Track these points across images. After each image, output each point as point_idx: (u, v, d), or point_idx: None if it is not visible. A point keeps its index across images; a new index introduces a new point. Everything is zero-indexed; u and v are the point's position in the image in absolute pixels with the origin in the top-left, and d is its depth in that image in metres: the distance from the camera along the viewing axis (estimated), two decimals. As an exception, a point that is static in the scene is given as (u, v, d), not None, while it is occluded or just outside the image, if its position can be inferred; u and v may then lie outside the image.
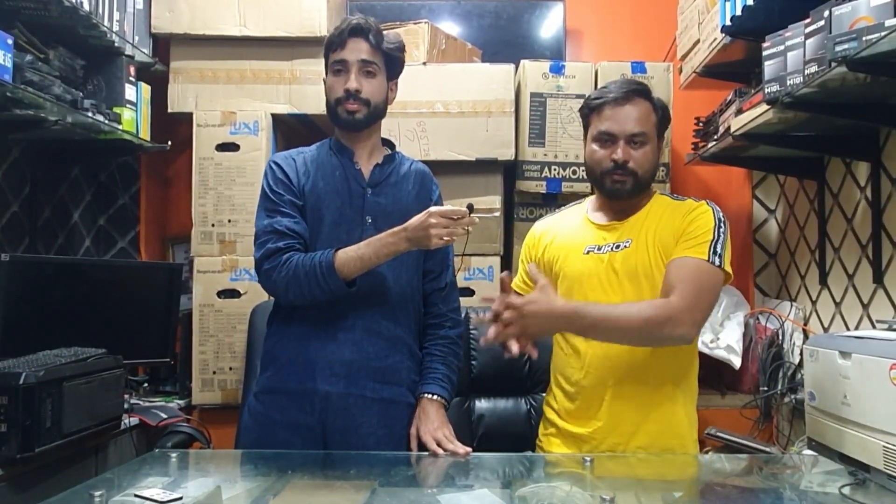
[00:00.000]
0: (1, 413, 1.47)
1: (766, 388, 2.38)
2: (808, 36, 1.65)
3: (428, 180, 1.76)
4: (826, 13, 1.57)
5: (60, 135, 2.20)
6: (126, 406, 2.00)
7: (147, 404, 2.22)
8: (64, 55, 2.08)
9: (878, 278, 1.93)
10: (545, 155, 2.50)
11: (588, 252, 1.64)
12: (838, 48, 1.47)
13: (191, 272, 2.42)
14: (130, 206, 2.77)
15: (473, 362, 2.13)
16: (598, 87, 2.31)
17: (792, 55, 1.71)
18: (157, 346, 2.34)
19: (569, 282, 1.65)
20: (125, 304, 2.26)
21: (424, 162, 1.82)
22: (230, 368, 2.36)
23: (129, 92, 2.31)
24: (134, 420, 2.01)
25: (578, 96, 2.44)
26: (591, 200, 1.77)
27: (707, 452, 2.02)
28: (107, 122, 2.17)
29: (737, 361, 2.42)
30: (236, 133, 2.41)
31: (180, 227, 2.72)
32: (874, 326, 1.84)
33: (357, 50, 1.63)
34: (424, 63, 2.52)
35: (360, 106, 1.63)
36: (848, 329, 2.10)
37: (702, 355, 1.80)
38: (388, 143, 1.78)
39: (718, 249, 1.52)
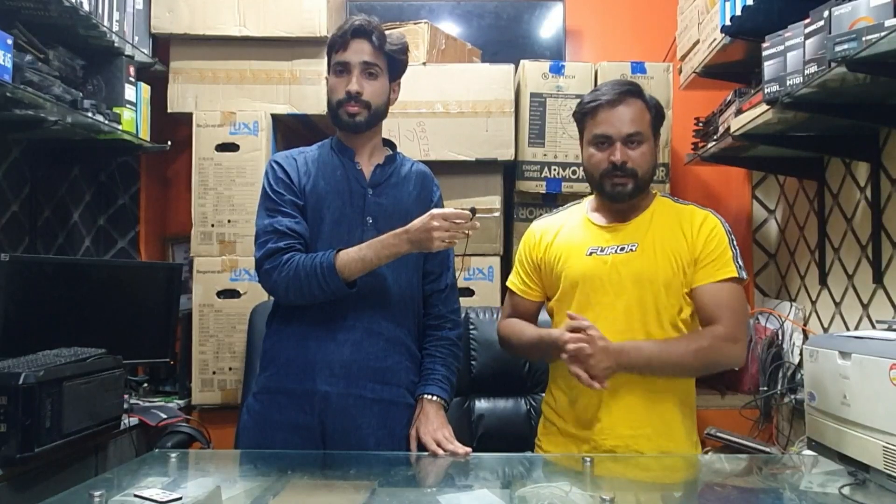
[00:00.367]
0: (1, 413, 1.47)
1: (765, 389, 2.38)
2: (807, 36, 1.65)
3: (429, 181, 1.76)
4: (826, 13, 1.57)
5: (60, 135, 2.20)
6: (126, 406, 2.00)
7: (147, 404, 2.22)
8: (64, 55, 2.08)
9: (878, 278, 1.93)
10: (545, 155, 2.50)
11: (591, 253, 1.64)
12: (838, 48, 1.46)
13: (190, 272, 2.42)
14: (130, 206, 2.77)
15: (473, 362, 2.13)
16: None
17: (792, 55, 1.71)
18: (156, 347, 2.34)
19: (570, 282, 1.65)
20: (125, 304, 2.26)
21: (424, 162, 1.82)
22: (230, 368, 2.36)
23: (129, 92, 2.31)
24: (134, 420, 2.01)
25: (578, 96, 2.42)
26: (589, 201, 1.76)
27: (707, 452, 2.02)
28: (107, 122, 2.17)
29: (736, 361, 2.42)
30: (236, 133, 2.41)
31: (180, 227, 2.72)
32: (874, 326, 1.84)
33: (359, 51, 1.63)
34: (424, 63, 2.52)
35: (360, 108, 1.63)
36: (848, 329, 2.10)
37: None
38: (389, 144, 1.78)
39: (740, 262, 1.60)
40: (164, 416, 2.11)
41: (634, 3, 2.97)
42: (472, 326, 2.16)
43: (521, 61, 2.55)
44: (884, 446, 1.19)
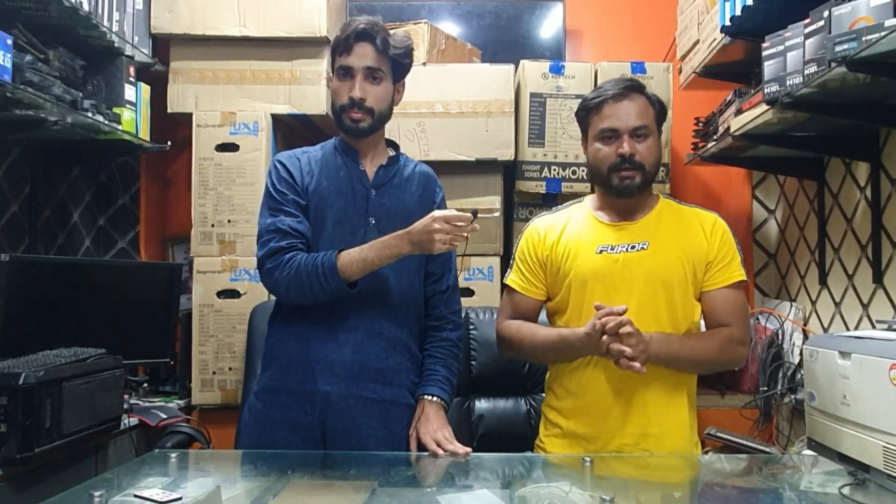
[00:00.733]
0: (1, 413, 1.47)
1: (765, 389, 2.38)
2: (807, 36, 1.65)
3: (431, 182, 1.76)
4: (826, 13, 1.57)
5: (60, 135, 2.20)
6: (126, 406, 2.00)
7: (147, 404, 2.22)
8: (64, 55, 2.08)
9: (878, 278, 1.93)
10: (545, 155, 2.50)
11: (601, 251, 1.64)
12: (838, 48, 1.46)
13: (190, 272, 2.42)
14: (130, 207, 2.77)
15: (473, 362, 2.13)
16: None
17: (791, 55, 1.71)
18: (156, 347, 2.34)
19: (580, 280, 1.64)
20: (125, 304, 2.26)
21: (424, 162, 1.81)
22: (230, 369, 2.36)
23: (129, 92, 2.31)
24: (134, 420, 2.01)
25: (578, 96, 2.44)
26: (591, 199, 1.76)
27: (707, 452, 2.02)
28: (106, 122, 2.17)
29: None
30: (236, 133, 2.41)
31: (180, 228, 2.72)
32: (874, 326, 1.84)
33: (363, 56, 1.62)
34: (424, 63, 2.52)
35: (363, 115, 1.63)
36: (848, 329, 2.10)
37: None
38: (392, 145, 1.78)
39: (742, 264, 1.66)
40: (164, 416, 2.11)
41: (634, 3, 2.97)
42: (472, 326, 2.16)
43: (521, 61, 2.56)
44: (884, 446, 1.19)
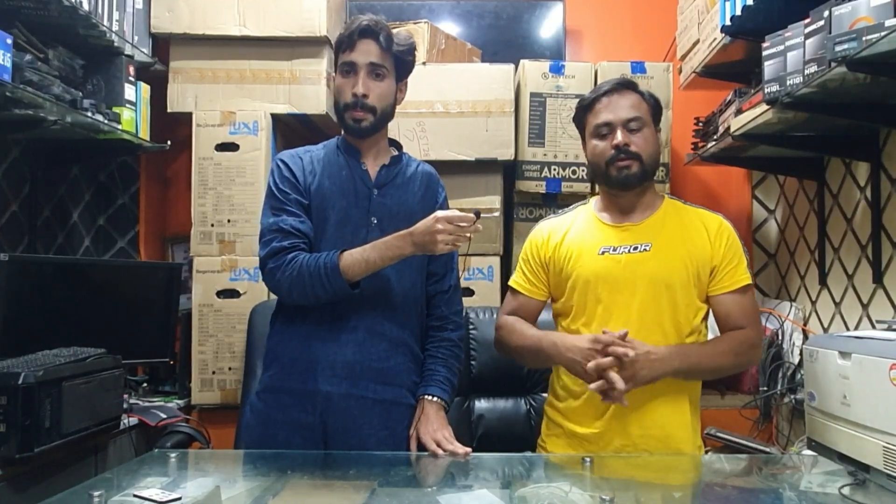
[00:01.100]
0: (0, 413, 1.46)
1: (765, 389, 2.38)
2: (807, 36, 1.65)
3: (434, 182, 1.76)
4: (826, 13, 1.57)
5: (60, 134, 2.20)
6: (125, 406, 2.00)
7: (146, 404, 2.22)
8: (63, 55, 2.08)
9: (878, 278, 1.93)
10: (545, 155, 2.50)
11: (603, 252, 1.64)
12: (838, 48, 1.46)
13: (190, 272, 2.42)
14: (130, 206, 2.77)
15: (473, 362, 2.13)
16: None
17: (792, 55, 1.71)
18: (156, 346, 2.34)
19: (583, 282, 1.64)
20: (124, 303, 2.26)
21: (424, 162, 1.81)
22: (229, 368, 2.35)
23: (129, 92, 2.31)
24: (133, 420, 2.01)
25: (578, 96, 2.42)
26: (595, 201, 1.76)
27: (707, 452, 2.01)
28: (106, 121, 2.17)
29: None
30: (236, 133, 2.41)
31: (180, 227, 2.72)
32: (874, 326, 1.84)
33: (366, 52, 1.62)
34: (424, 63, 2.51)
35: (366, 114, 1.62)
36: (848, 329, 2.10)
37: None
38: (395, 144, 1.77)
39: (749, 266, 1.67)
40: (164, 415, 2.11)
41: (634, 3, 2.97)
42: (472, 326, 2.15)
43: (521, 61, 2.55)
44: (884, 446, 1.19)
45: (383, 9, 2.78)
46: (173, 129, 2.56)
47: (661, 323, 1.60)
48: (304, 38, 2.42)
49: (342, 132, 1.72)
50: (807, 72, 1.65)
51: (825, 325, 2.25)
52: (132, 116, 2.33)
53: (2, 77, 1.68)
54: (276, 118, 2.46)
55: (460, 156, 2.49)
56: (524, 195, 2.55)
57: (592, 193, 2.48)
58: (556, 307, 1.74)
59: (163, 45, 2.50)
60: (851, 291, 2.09)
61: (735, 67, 2.32)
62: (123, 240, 2.76)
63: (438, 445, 1.56)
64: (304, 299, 1.58)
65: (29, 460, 1.48)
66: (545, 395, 2.01)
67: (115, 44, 2.26)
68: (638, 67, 2.50)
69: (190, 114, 2.43)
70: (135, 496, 1.19)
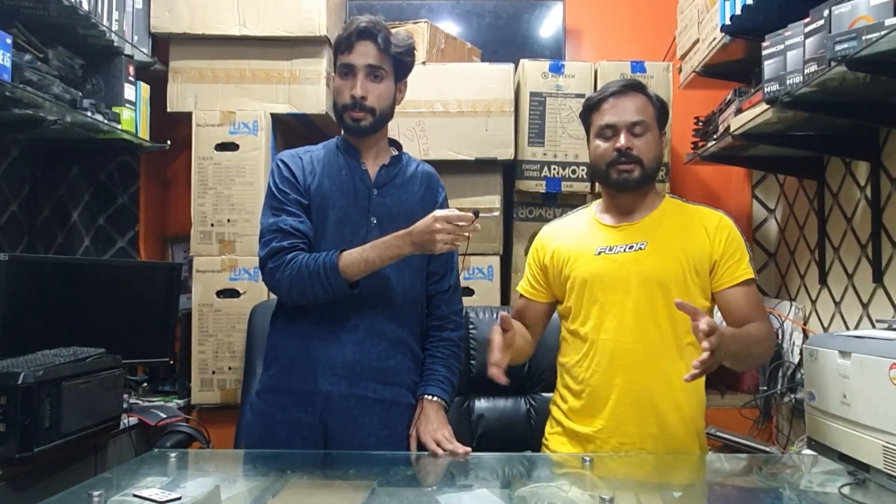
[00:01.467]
0: (0, 413, 1.46)
1: (765, 388, 2.38)
2: (807, 35, 1.64)
3: (434, 182, 1.76)
4: (826, 12, 1.57)
5: (59, 134, 2.20)
6: (125, 406, 2.00)
7: (146, 404, 2.22)
8: (63, 55, 2.08)
9: (878, 278, 1.93)
10: (545, 154, 2.50)
11: (599, 253, 1.64)
12: (838, 47, 1.46)
13: (190, 272, 2.42)
14: (130, 206, 2.77)
15: (473, 362, 2.13)
16: (598, 86, 2.32)
17: (791, 54, 1.71)
18: (156, 346, 2.34)
19: (580, 283, 1.64)
20: (124, 303, 2.26)
21: (424, 161, 1.81)
22: (229, 368, 2.35)
23: (129, 91, 2.31)
24: (133, 420, 2.01)
25: (578, 96, 2.44)
26: (598, 203, 1.76)
27: (707, 452, 2.01)
28: (106, 121, 2.17)
29: (737, 361, 2.42)
30: (235, 133, 2.41)
31: (179, 227, 2.72)
32: (874, 326, 1.83)
33: (364, 54, 1.62)
34: (424, 62, 2.51)
35: (365, 114, 1.63)
36: (848, 329, 2.10)
37: (702, 355, 1.79)
38: (395, 144, 1.77)
39: (751, 261, 1.64)
40: (164, 415, 2.11)
41: (634, 2, 2.97)
42: (471, 326, 2.15)
43: (521, 61, 2.55)
44: (884, 446, 1.19)
45: (383, 8, 2.78)
46: (173, 128, 2.56)
47: (657, 321, 1.59)
48: (304, 38, 2.42)
49: (342, 132, 1.72)
50: (807, 71, 1.65)
51: (825, 325, 2.25)
52: (132, 116, 2.33)
53: (1, 77, 1.68)
54: (275, 118, 2.46)
55: (460, 155, 2.49)
56: (524, 195, 2.55)
57: (592, 193, 2.49)
58: (560, 309, 1.75)
59: (162, 44, 2.50)
60: (851, 291, 2.09)
61: (735, 67, 2.32)
62: (123, 240, 2.76)
63: (438, 445, 1.56)
64: (304, 299, 1.58)
65: (29, 460, 1.48)
66: (545, 394, 2.02)
67: (115, 43, 2.26)
68: (638, 67, 2.50)
69: (190, 114, 2.43)
70: (134, 496, 1.19)
